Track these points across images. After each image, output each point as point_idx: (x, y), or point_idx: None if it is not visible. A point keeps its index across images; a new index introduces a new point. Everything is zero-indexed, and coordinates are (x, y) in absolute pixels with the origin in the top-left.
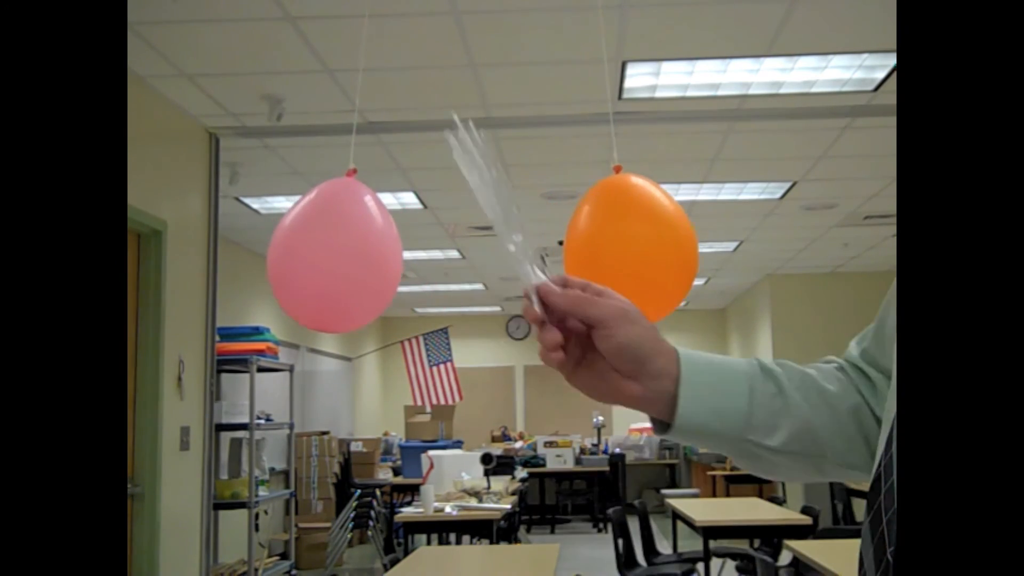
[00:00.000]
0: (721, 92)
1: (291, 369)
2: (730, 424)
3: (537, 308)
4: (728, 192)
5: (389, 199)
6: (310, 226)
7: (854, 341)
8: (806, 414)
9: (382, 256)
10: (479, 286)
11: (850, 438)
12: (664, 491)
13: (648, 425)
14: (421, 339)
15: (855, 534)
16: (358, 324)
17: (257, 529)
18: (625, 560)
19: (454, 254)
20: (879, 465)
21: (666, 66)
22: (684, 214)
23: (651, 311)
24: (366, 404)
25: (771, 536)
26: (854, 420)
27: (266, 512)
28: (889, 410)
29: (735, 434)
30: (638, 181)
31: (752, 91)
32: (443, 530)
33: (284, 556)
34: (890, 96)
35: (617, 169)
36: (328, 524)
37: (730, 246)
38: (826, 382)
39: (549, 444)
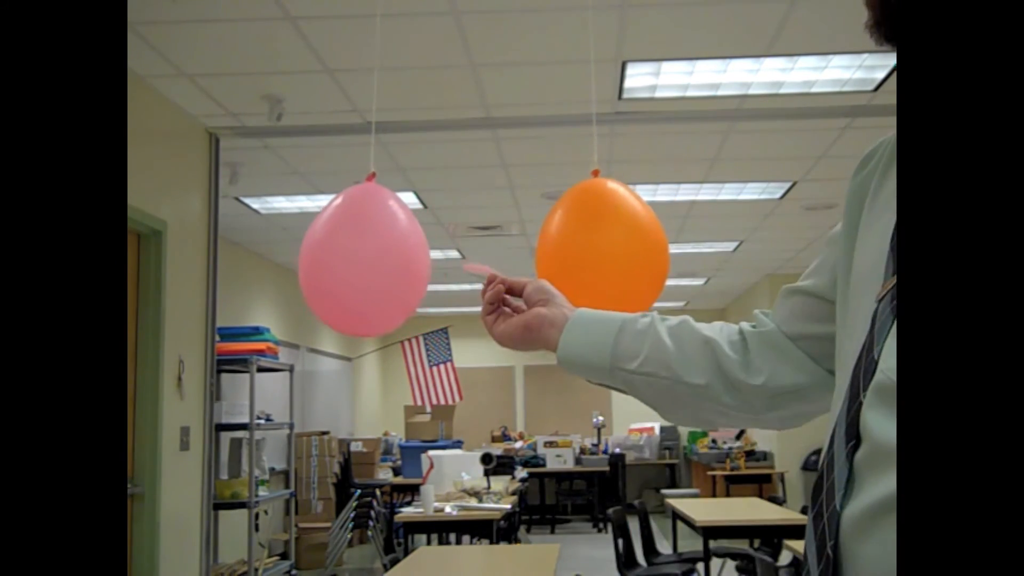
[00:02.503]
0: (721, 92)
1: (291, 369)
2: (600, 354)
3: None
4: (728, 192)
5: None
6: (340, 233)
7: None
8: (667, 340)
9: (411, 258)
10: (479, 286)
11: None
12: (664, 491)
13: (648, 425)
14: (421, 339)
15: None
16: (391, 327)
17: (257, 529)
18: (625, 560)
19: (454, 254)
20: (822, 462)
21: (666, 66)
22: (656, 220)
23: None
24: (366, 404)
25: (771, 536)
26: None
27: (266, 512)
28: (833, 410)
29: (605, 363)
30: (613, 186)
31: (752, 91)
32: (443, 530)
33: (284, 556)
34: (890, 96)
35: (595, 173)
36: (328, 524)
37: (730, 246)
38: (703, 325)
39: (549, 444)
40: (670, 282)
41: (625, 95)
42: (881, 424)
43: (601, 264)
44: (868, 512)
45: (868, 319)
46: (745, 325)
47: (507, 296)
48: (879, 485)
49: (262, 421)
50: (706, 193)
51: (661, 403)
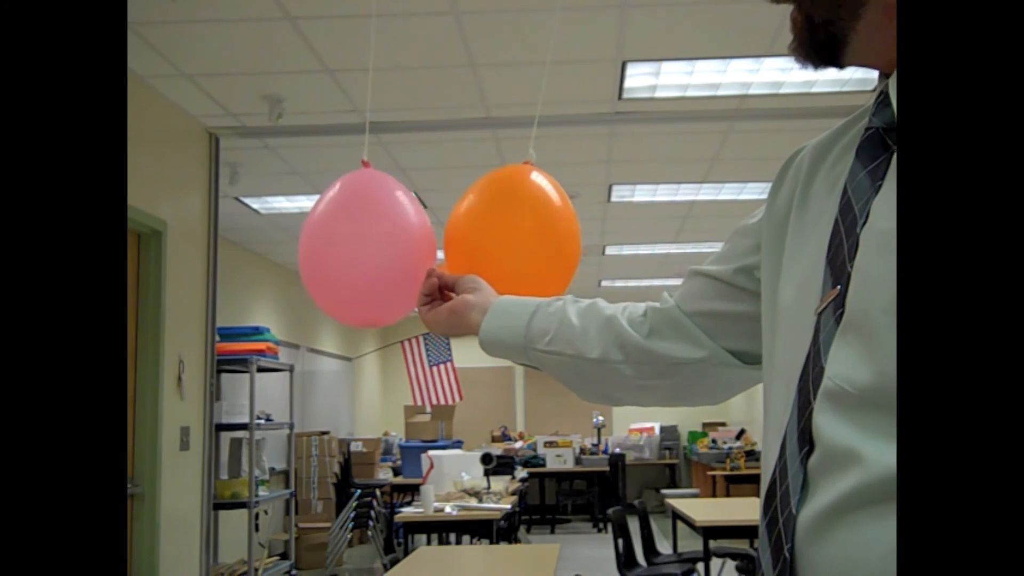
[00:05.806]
0: (721, 92)
1: (291, 369)
2: (515, 335)
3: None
4: (728, 192)
5: None
6: (341, 218)
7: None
8: (573, 320)
9: (418, 244)
10: None
11: (604, 337)
12: (664, 491)
13: (648, 425)
14: (421, 339)
15: None
16: (398, 317)
17: (257, 529)
18: (625, 560)
19: None
20: (774, 470)
21: (666, 66)
22: (573, 215)
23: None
24: (366, 404)
25: None
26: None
27: (266, 512)
28: (777, 415)
29: (520, 343)
30: (534, 176)
31: (752, 91)
32: (443, 530)
33: (284, 556)
34: None
35: (526, 163)
36: (328, 524)
37: None
38: (612, 306)
39: (549, 444)
40: (672, 283)
41: (625, 95)
42: (832, 428)
43: (504, 251)
44: (823, 514)
45: (808, 331)
46: (652, 304)
47: (445, 291)
48: (833, 488)
49: (262, 421)
50: (706, 193)
51: (569, 379)
